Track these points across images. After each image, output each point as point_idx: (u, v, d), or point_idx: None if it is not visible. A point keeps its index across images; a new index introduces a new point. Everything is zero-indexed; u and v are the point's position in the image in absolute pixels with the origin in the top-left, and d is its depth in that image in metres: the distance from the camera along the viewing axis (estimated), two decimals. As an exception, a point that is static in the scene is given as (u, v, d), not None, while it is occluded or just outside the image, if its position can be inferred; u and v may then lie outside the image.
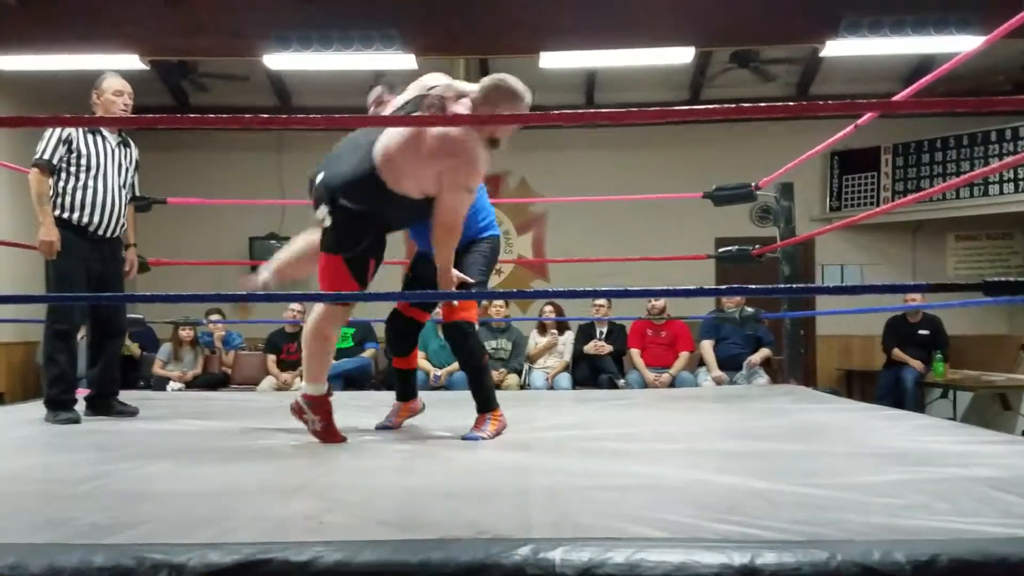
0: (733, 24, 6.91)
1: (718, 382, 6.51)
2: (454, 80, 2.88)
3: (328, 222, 2.76)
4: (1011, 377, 7.36)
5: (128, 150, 3.85)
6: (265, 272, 3.13)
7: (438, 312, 3.46)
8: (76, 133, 3.61)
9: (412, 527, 1.55)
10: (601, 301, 7.05)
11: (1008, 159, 3.97)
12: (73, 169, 3.60)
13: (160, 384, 7.06)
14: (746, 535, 1.48)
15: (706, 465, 2.24)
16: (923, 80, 3.19)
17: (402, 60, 6.80)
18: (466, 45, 7.24)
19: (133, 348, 7.60)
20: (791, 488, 1.90)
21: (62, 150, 3.58)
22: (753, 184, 4.63)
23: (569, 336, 7.17)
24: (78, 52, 6.66)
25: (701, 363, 6.95)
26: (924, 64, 7.95)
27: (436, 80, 2.86)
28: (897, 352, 7.43)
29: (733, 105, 2.08)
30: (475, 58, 8.12)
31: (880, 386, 7.56)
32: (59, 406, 3.49)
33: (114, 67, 7.02)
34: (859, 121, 3.56)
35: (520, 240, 9.25)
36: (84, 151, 3.62)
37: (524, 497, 1.84)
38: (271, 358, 7.36)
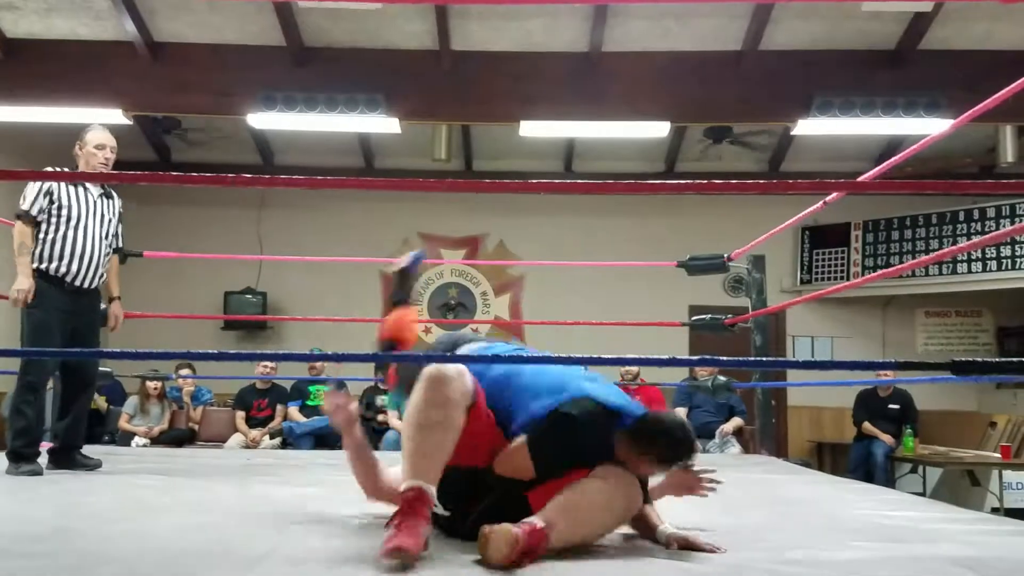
0: (708, 102, 7.10)
1: (692, 451, 6.50)
2: None
3: None
4: (979, 454, 7.41)
5: (111, 202, 3.86)
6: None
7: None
8: (57, 185, 3.61)
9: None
10: (575, 367, 7.06)
11: (976, 240, 4.07)
12: (54, 220, 3.60)
13: (125, 439, 6.93)
14: (714, 610, 1.47)
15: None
16: (890, 161, 3.28)
17: (386, 124, 6.90)
18: (449, 112, 7.37)
19: (100, 401, 7.47)
20: (761, 562, 1.90)
21: (43, 201, 3.59)
22: (726, 255, 4.70)
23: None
24: (63, 105, 6.70)
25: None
26: (894, 144, 8.18)
27: None
28: (867, 425, 7.47)
29: (705, 181, 2.13)
30: (457, 124, 8.26)
31: (851, 459, 7.58)
32: (21, 458, 3.42)
33: (97, 121, 7.14)
34: (828, 199, 3.64)
35: (497, 301, 9.27)
36: (65, 202, 3.62)
37: (486, 569, 1.82)
38: (240, 414, 7.27)
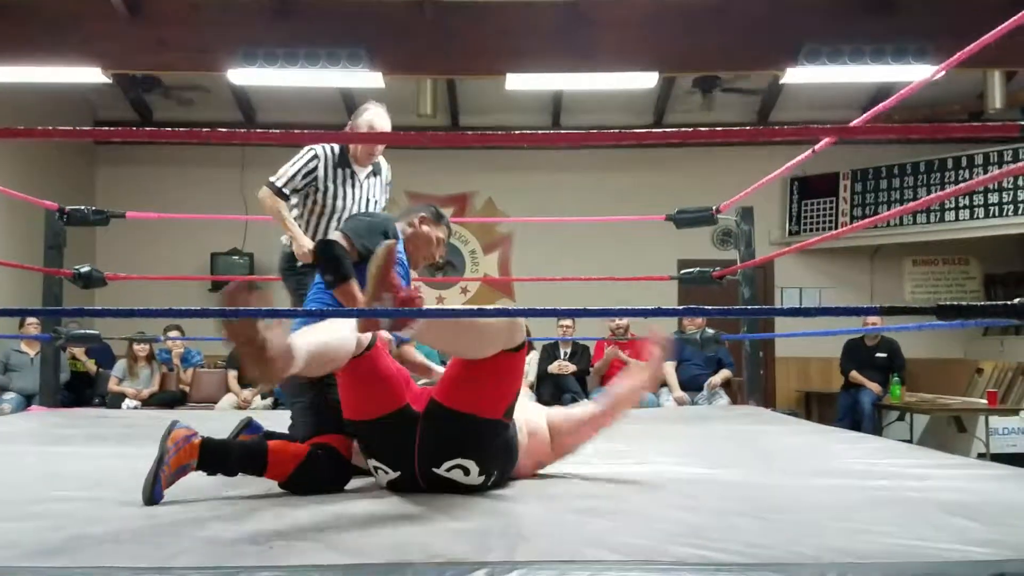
0: (695, 51, 7.01)
1: (679, 402, 6.54)
2: None
3: None
4: (966, 400, 7.48)
5: (378, 179, 3.54)
6: None
7: None
8: (323, 166, 3.34)
9: (364, 551, 1.52)
10: (566, 321, 7.07)
11: (962, 185, 4.06)
12: (313, 204, 3.41)
13: (115, 401, 6.92)
14: (702, 558, 1.47)
15: (664, 487, 2.24)
16: (879, 107, 3.24)
17: (369, 78, 6.79)
18: (433, 66, 7.26)
19: (88, 364, 7.46)
20: (749, 511, 1.91)
21: (300, 181, 3.36)
22: (714, 208, 4.68)
23: (533, 356, 7.16)
24: (41, 65, 6.58)
25: (663, 384, 6.98)
26: (882, 92, 8.12)
27: None
28: (854, 374, 7.52)
29: (691, 129, 2.09)
30: (442, 78, 8.15)
31: (838, 408, 7.65)
32: None
33: (77, 80, 7.03)
34: (817, 147, 3.61)
35: (486, 259, 9.24)
36: (322, 186, 3.37)
37: (479, 520, 1.83)
38: (232, 374, 7.27)
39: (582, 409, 2.48)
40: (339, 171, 3.36)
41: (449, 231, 2.94)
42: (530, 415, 2.41)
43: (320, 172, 3.32)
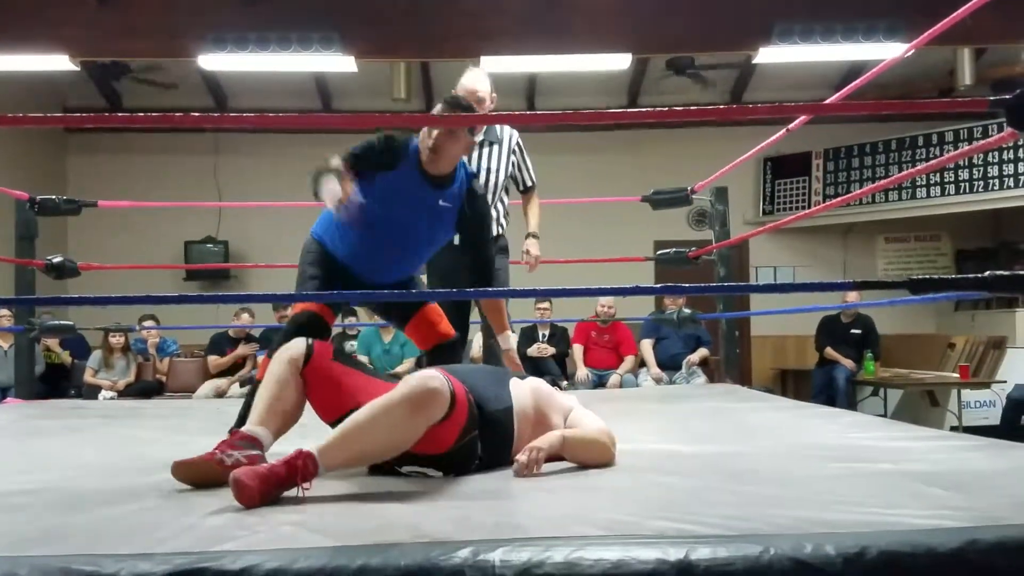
0: (668, 32, 7.02)
1: (657, 380, 6.61)
2: None
3: None
4: (939, 375, 7.60)
5: (493, 148, 3.44)
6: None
7: None
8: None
9: (349, 533, 1.53)
10: (544, 304, 7.09)
11: (932, 162, 4.10)
12: None
13: (91, 393, 6.87)
14: (682, 531, 1.50)
15: (644, 464, 2.26)
16: (851, 85, 3.27)
17: (341, 62, 6.74)
18: (407, 49, 7.22)
19: (63, 356, 7.39)
20: (726, 485, 1.94)
21: None
22: (689, 188, 4.71)
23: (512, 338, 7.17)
24: (9, 53, 6.48)
25: (642, 364, 7.04)
26: (855, 71, 8.17)
27: None
28: (829, 351, 7.61)
29: (666, 108, 2.09)
30: (416, 61, 8.10)
31: (814, 384, 7.74)
32: None
33: (45, 68, 6.91)
34: (791, 125, 3.63)
35: (461, 243, 9.22)
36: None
37: (463, 500, 1.84)
38: (212, 359, 7.25)
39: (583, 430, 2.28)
40: None
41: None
42: (547, 407, 2.31)
43: None
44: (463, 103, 2.60)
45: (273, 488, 1.79)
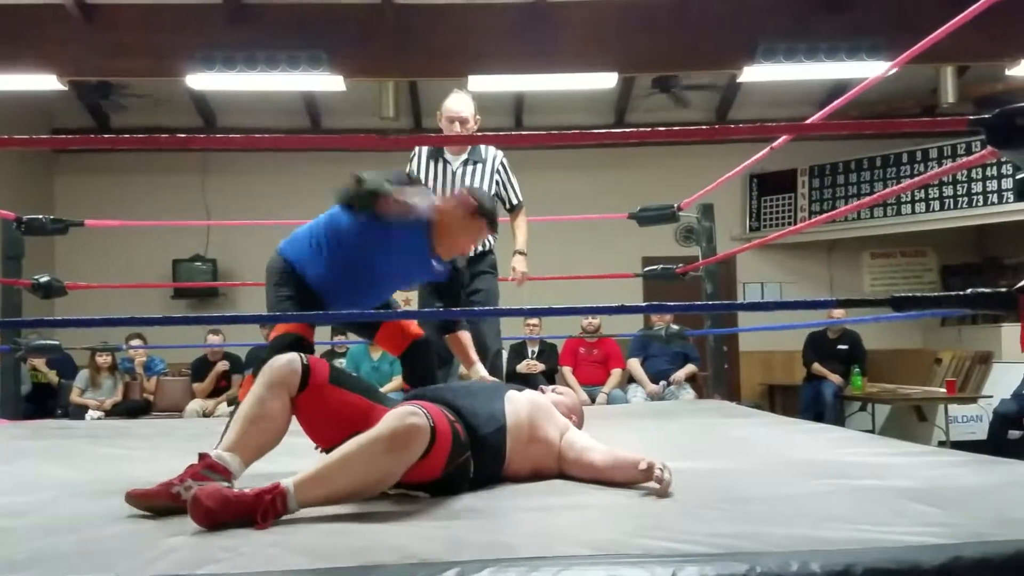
0: (654, 51, 7.09)
1: (653, 396, 6.62)
2: None
3: None
4: (926, 390, 7.63)
5: (478, 167, 3.51)
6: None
7: None
8: (417, 158, 3.39)
9: (334, 555, 1.52)
10: (533, 320, 7.10)
11: (917, 178, 4.14)
12: None
13: (78, 412, 6.82)
14: (669, 549, 1.50)
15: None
16: (835, 104, 3.30)
17: (330, 81, 6.77)
18: (395, 68, 7.26)
19: (50, 375, 7.34)
20: (714, 502, 1.94)
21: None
22: (676, 205, 4.73)
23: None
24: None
25: (631, 380, 7.04)
26: (838, 89, 8.24)
27: None
28: (817, 366, 7.64)
29: (650, 128, 2.11)
30: (404, 81, 8.13)
31: (801, 400, 7.76)
32: None
33: (32, 88, 6.90)
34: (774, 144, 3.66)
35: (450, 261, 9.23)
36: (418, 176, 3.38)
37: (449, 520, 1.84)
38: (196, 386, 7.25)
39: (602, 457, 2.23)
40: (431, 162, 3.43)
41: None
42: (544, 421, 2.27)
43: (415, 165, 3.43)
44: (490, 215, 2.72)
45: (231, 516, 1.73)
